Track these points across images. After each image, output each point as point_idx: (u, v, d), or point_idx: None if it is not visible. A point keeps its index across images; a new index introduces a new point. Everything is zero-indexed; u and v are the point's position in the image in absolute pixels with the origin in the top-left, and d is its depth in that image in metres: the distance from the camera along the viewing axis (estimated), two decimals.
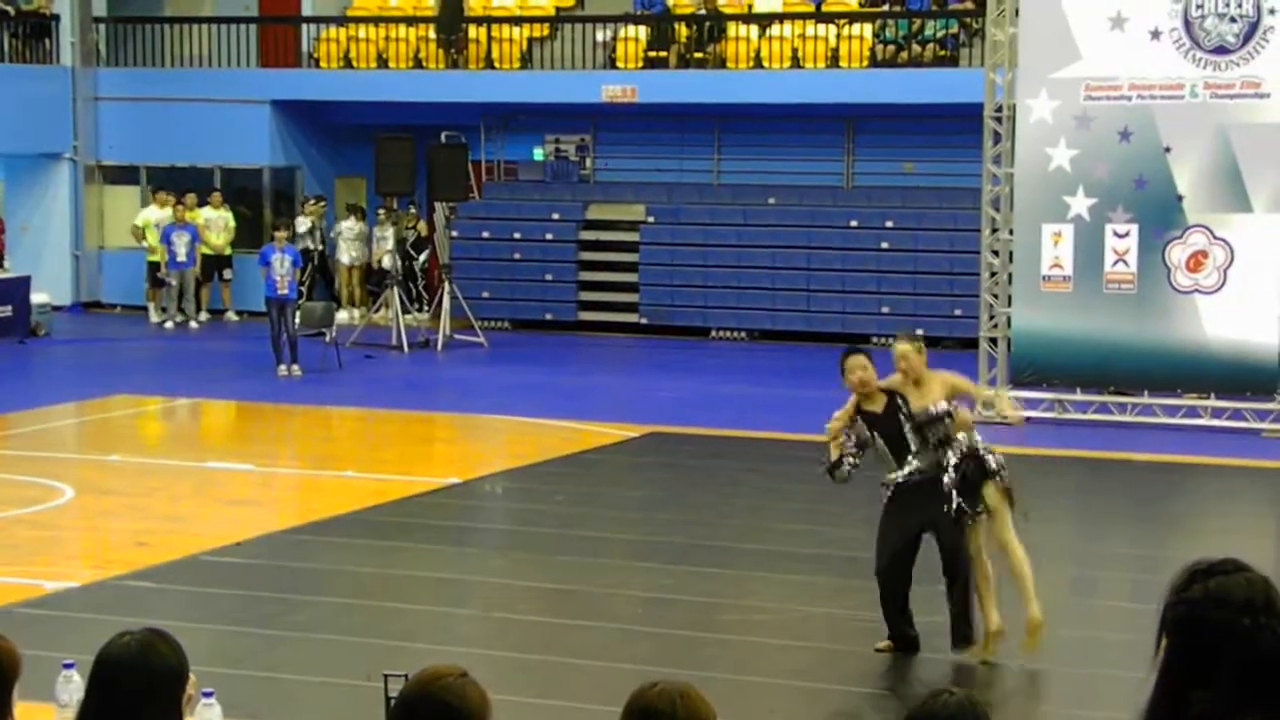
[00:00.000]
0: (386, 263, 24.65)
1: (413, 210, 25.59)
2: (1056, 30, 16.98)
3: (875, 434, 9.48)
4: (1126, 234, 16.98)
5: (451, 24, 25.54)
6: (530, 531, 12.96)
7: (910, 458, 9.43)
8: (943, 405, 9.36)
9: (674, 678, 3.47)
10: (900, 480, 9.46)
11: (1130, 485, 14.87)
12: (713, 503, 13.82)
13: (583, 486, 14.45)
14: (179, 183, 25.89)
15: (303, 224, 25.30)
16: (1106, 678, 9.34)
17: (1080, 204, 17.07)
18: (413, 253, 25.51)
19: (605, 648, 9.74)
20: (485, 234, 24.97)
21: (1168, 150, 16.78)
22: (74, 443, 17.04)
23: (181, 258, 24.83)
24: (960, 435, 9.37)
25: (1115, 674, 9.37)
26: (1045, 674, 9.41)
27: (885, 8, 24.41)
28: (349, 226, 25.88)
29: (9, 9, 26.15)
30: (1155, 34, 16.76)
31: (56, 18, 26.63)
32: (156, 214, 25.21)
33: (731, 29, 24.47)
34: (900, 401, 9.46)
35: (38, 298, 23.81)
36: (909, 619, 9.58)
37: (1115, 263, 17.05)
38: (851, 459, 9.49)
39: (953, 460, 9.28)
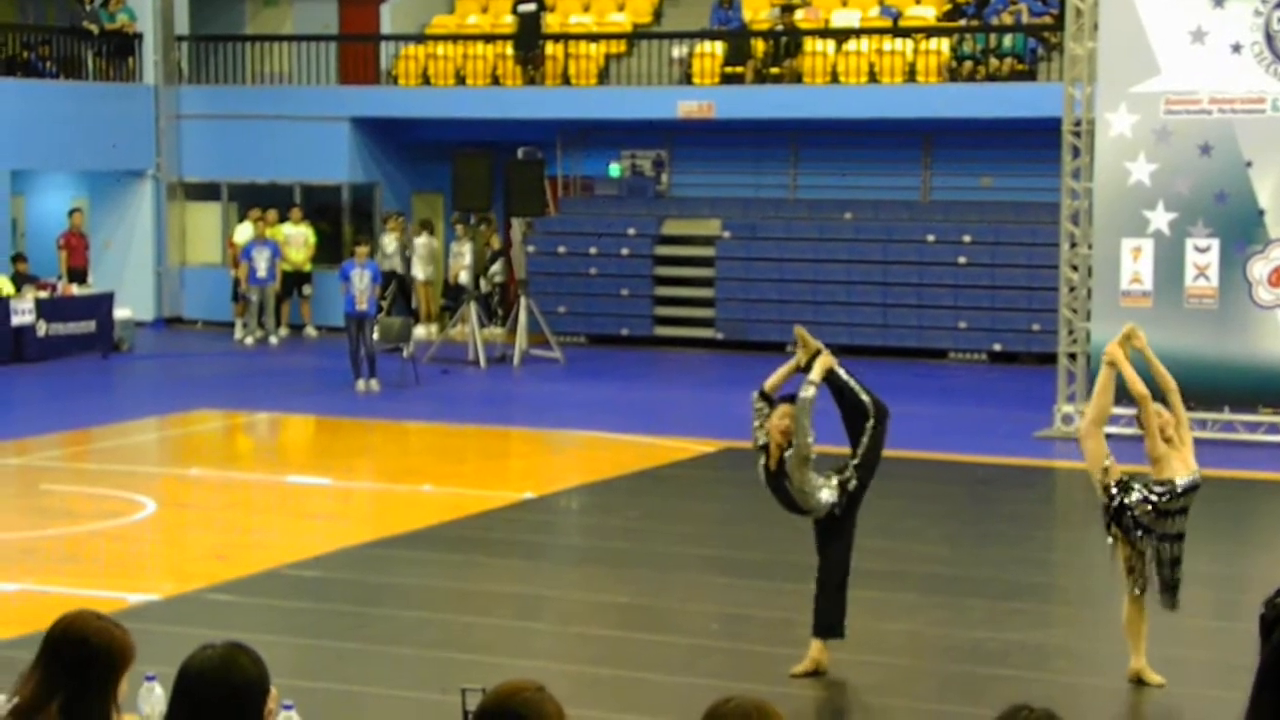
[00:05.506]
0: (463, 278, 24.78)
1: (484, 227, 25.65)
2: (1136, 44, 16.85)
3: (770, 488, 9.61)
4: (1207, 249, 16.81)
5: (529, 41, 25.67)
6: (605, 546, 12.98)
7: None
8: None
9: (749, 693, 3.47)
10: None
11: (1211, 503, 14.63)
12: (789, 518, 13.75)
13: (658, 501, 14.46)
14: (260, 199, 26.17)
15: (390, 244, 25.45)
16: (1190, 696, 9.25)
17: (1160, 219, 16.92)
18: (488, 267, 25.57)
19: (680, 663, 9.74)
20: (561, 249, 25.06)
21: (1249, 164, 16.60)
22: (155, 457, 17.24)
23: (262, 274, 25.07)
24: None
25: (1199, 692, 9.28)
26: (1128, 691, 9.31)
27: (962, 23, 24.30)
28: (421, 243, 26.03)
29: (93, 28, 26.53)
30: (1236, 48, 16.59)
31: (140, 36, 27.00)
32: (251, 231, 25.45)
33: (808, 44, 24.44)
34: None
35: (120, 313, 24.10)
36: None
37: (1196, 277, 16.88)
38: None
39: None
